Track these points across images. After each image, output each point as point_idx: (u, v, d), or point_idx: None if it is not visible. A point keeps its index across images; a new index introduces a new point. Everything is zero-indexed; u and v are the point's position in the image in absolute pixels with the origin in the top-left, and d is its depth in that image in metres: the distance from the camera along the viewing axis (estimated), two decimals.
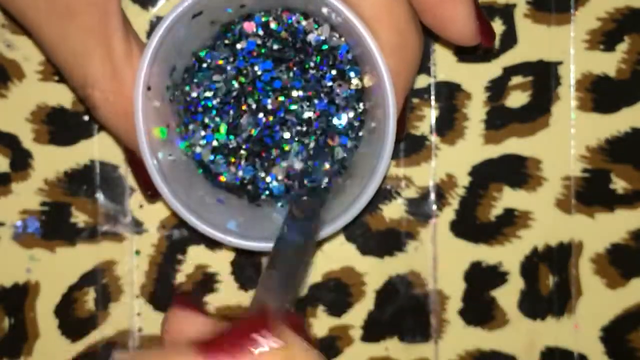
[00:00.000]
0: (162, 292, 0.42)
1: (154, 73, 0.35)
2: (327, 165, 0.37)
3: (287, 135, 0.37)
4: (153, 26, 0.41)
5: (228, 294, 0.42)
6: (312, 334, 0.42)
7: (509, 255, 0.42)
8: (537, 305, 0.42)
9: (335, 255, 0.42)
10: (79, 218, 0.41)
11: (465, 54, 0.41)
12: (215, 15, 0.36)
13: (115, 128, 0.36)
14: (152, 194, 0.37)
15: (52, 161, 0.41)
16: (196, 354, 0.26)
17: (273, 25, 0.37)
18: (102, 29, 0.34)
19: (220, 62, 0.37)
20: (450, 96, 0.42)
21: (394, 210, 0.42)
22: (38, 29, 0.35)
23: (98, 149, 0.41)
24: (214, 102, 0.37)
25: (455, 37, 0.36)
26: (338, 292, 0.42)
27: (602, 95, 0.42)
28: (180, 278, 0.42)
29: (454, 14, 0.35)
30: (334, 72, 0.37)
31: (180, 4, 0.34)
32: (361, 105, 0.37)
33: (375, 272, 0.42)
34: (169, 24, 0.34)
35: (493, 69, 0.42)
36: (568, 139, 0.42)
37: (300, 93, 0.37)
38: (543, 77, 0.42)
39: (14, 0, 0.34)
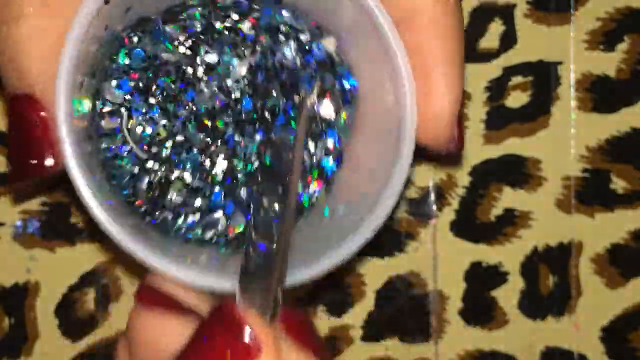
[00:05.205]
0: None
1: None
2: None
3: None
4: None
5: None
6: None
7: (509, 255, 0.42)
8: (537, 305, 0.42)
9: None
10: (79, 218, 0.41)
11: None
12: None
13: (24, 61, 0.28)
14: (39, 164, 0.28)
15: None
16: None
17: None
18: None
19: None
20: None
21: (394, 210, 0.42)
22: None
23: None
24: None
25: (430, 136, 0.31)
26: (338, 292, 0.42)
27: (602, 95, 0.42)
28: None
29: (437, 108, 0.30)
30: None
31: None
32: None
33: (375, 272, 0.42)
34: None
35: (493, 69, 0.42)
36: (568, 139, 0.42)
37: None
38: (543, 77, 0.42)
39: None
